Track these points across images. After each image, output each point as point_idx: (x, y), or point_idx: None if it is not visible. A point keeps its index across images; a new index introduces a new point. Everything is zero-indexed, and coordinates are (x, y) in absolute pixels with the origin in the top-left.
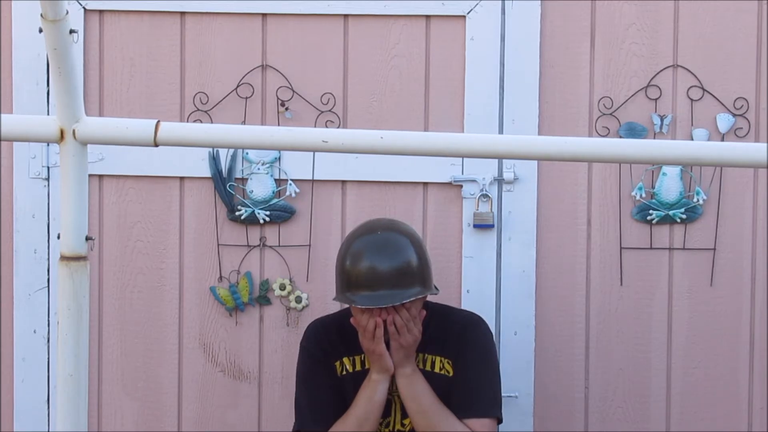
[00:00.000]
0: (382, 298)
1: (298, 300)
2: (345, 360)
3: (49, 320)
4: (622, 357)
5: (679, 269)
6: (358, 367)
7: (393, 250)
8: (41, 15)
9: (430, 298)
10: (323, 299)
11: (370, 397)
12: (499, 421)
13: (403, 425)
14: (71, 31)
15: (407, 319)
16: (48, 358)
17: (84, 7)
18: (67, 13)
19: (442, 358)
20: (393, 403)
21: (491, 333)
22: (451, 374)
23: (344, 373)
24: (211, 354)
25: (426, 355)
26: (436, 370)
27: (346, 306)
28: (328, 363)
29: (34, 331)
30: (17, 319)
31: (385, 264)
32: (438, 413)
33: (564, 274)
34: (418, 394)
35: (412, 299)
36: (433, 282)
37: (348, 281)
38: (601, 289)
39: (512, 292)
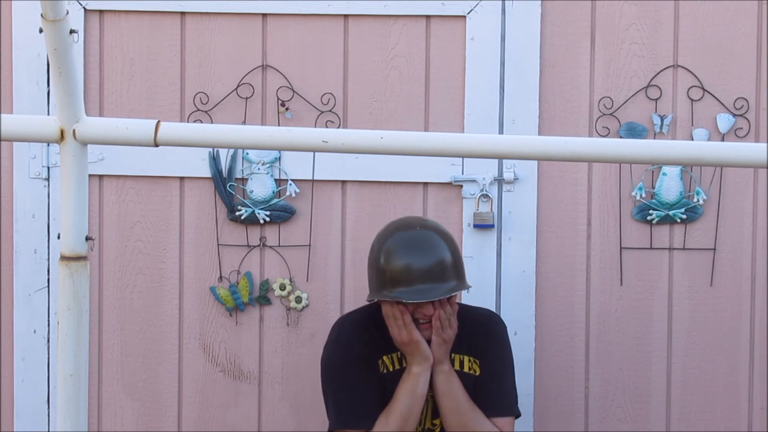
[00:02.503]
0: (424, 292)
1: (298, 300)
2: (385, 358)
3: (49, 320)
4: (622, 357)
5: (679, 269)
6: (396, 366)
7: (427, 247)
8: (41, 15)
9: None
10: (323, 299)
11: (413, 390)
12: (517, 416)
13: (433, 425)
14: (71, 31)
15: (449, 313)
16: (48, 358)
17: (84, 7)
18: (67, 13)
19: (470, 358)
20: (426, 401)
21: (507, 328)
22: (478, 373)
23: (385, 371)
24: (211, 354)
25: (453, 354)
26: (465, 369)
27: (367, 304)
28: (371, 360)
29: (34, 331)
30: (17, 319)
31: (422, 260)
32: (471, 412)
33: (564, 274)
34: (454, 392)
35: (454, 294)
36: (466, 277)
37: (384, 279)
38: (601, 289)
39: (512, 292)
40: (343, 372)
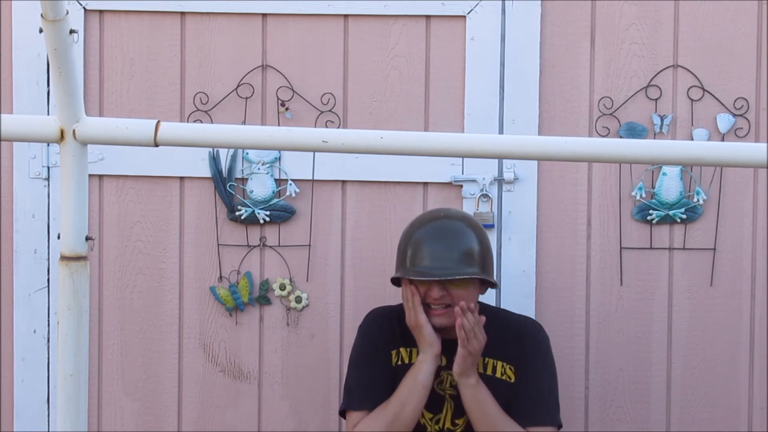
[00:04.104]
0: (437, 270)
1: (298, 300)
2: (402, 350)
3: (49, 320)
4: (622, 357)
5: (679, 269)
6: (414, 359)
7: (454, 234)
8: (41, 15)
9: (483, 298)
10: (323, 299)
11: (415, 377)
12: (559, 427)
13: (454, 424)
14: (71, 31)
15: (474, 323)
16: (48, 358)
17: (84, 7)
18: (67, 13)
19: (504, 363)
20: (445, 401)
21: (548, 338)
22: (512, 380)
23: (399, 363)
24: (211, 354)
25: (487, 359)
26: (498, 375)
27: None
28: (385, 350)
29: (34, 331)
30: (17, 319)
31: (445, 244)
32: (502, 423)
33: (564, 274)
34: (483, 404)
35: (467, 276)
36: (493, 273)
37: (405, 258)
38: (601, 289)
39: (512, 292)
40: (356, 358)
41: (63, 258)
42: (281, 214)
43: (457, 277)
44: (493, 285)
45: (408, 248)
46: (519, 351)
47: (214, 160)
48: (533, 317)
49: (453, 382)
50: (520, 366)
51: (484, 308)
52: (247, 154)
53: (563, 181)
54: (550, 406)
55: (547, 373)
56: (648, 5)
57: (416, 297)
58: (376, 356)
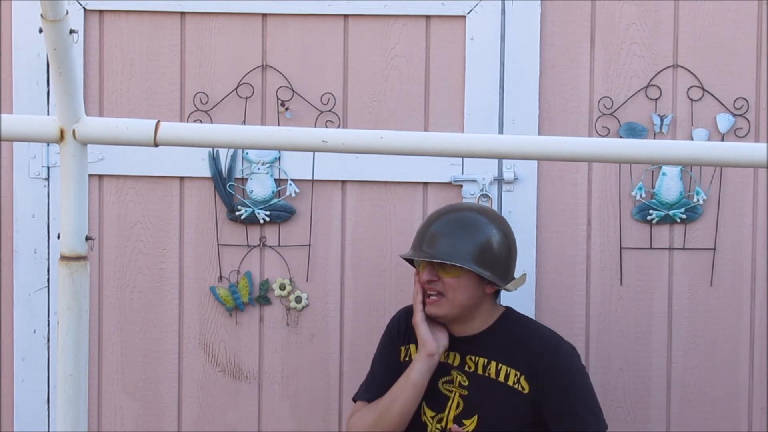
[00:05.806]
0: (433, 253)
1: (298, 300)
2: (411, 347)
3: (49, 320)
4: (622, 357)
5: (679, 269)
6: None
7: (465, 225)
8: (41, 15)
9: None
10: (323, 299)
11: (407, 374)
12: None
13: (461, 424)
14: (71, 31)
15: None
16: (48, 358)
17: (84, 7)
18: (67, 13)
19: (517, 372)
20: (450, 399)
21: (574, 350)
22: (526, 391)
23: (407, 359)
24: (211, 354)
25: (500, 364)
26: (510, 383)
27: None
28: (396, 346)
29: (34, 331)
30: (17, 319)
31: (452, 233)
32: None
33: (564, 274)
34: None
35: (458, 264)
36: (506, 277)
37: (413, 241)
38: (601, 289)
39: (512, 292)
40: (375, 353)
41: (63, 258)
42: (281, 214)
43: (436, 260)
44: (499, 286)
45: (418, 232)
46: (532, 362)
47: (214, 160)
48: (534, 316)
49: (463, 381)
50: (536, 379)
51: (510, 314)
52: (247, 154)
53: (563, 181)
54: (596, 420)
55: (582, 390)
56: (648, 5)
57: (419, 296)
58: (387, 352)
